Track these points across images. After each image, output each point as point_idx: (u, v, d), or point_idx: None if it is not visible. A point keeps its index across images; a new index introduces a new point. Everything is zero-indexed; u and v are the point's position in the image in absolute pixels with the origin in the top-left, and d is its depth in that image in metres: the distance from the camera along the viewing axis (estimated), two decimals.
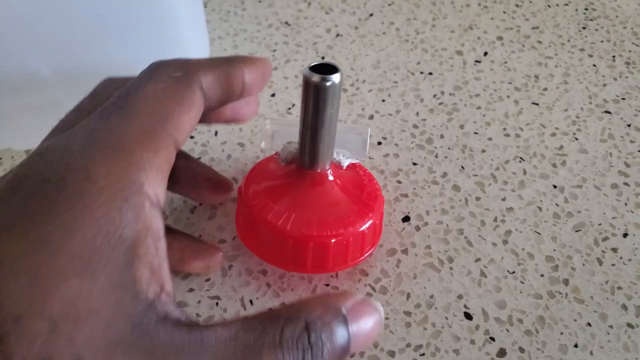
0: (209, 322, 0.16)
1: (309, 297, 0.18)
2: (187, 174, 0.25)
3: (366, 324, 0.18)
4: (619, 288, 0.24)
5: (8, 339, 0.12)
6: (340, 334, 0.17)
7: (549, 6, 0.42)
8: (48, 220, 0.14)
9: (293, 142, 0.24)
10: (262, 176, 0.24)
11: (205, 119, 0.22)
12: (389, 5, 0.42)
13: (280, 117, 0.32)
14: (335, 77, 0.19)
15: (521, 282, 0.24)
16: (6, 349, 0.12)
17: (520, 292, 0.24)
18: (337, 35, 0.39)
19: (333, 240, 0.21)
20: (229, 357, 0.15)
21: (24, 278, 0.13)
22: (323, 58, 0.37)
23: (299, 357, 0.15)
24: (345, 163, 0.24)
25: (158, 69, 0.19)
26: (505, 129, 0.32)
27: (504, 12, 0.41)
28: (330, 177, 0.23)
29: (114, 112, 0.17)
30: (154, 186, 0.16)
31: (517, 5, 0.42)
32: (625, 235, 0.26)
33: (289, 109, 0.33)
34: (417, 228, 0.26)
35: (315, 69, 0.19)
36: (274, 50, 0.37)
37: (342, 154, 0.24)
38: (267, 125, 0.27)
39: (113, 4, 0.26)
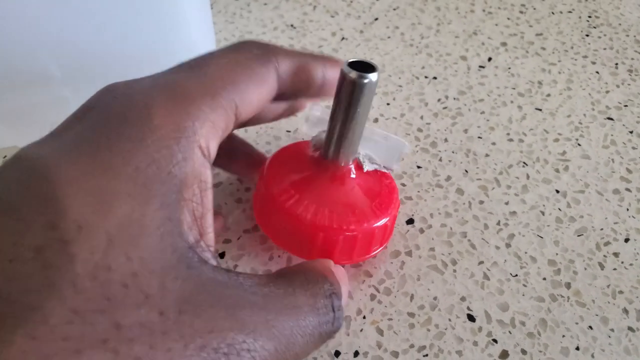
0: None
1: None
2: (227, 147, 0.26)
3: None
4: (620, 292, 0.24)
5: (73, 243, 0.13)
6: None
7: (552, 13, 0.42)
8: (110, 148, 0.15)
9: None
10: (286, 162, 0.25)
11: (260, 116, 0.23)
12: (394, 9, 0.42)
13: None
14: (373, 76, 0.20)
15: (524, 285, 0.24)
16: (71, 250, 0.13)
17: (523, 295, 0.24)
18: (342, 38, 0.39)
19: (352, 234, 0.22)
20: (267, 297, 0.16)
21: (86, 194, 0.14)
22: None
23: (326, 302, 0.17)
24: (367, 167, 0.24)
25: (240, 45, 0.20)
26: (508, 134, 0.32)
27: (508, 19, 0.41)
28: (352, 174, 0.23)
29: (184, 69, 0.18)
30: (206, 138, 0.16)
31: (521, 12, 0.42)
32: (626, 240, 0.26)
33: None
34: (421, 230, 0.27)
35: (352, 65, 0.20)
36: None
37: (367, 157, 0.24)
38: (312, 109, 0.26)
39: (121, 4, 0.26)
